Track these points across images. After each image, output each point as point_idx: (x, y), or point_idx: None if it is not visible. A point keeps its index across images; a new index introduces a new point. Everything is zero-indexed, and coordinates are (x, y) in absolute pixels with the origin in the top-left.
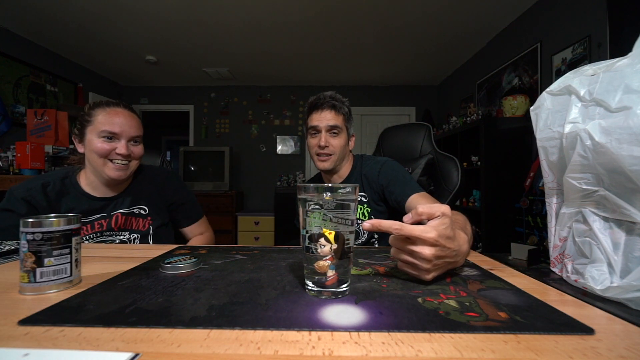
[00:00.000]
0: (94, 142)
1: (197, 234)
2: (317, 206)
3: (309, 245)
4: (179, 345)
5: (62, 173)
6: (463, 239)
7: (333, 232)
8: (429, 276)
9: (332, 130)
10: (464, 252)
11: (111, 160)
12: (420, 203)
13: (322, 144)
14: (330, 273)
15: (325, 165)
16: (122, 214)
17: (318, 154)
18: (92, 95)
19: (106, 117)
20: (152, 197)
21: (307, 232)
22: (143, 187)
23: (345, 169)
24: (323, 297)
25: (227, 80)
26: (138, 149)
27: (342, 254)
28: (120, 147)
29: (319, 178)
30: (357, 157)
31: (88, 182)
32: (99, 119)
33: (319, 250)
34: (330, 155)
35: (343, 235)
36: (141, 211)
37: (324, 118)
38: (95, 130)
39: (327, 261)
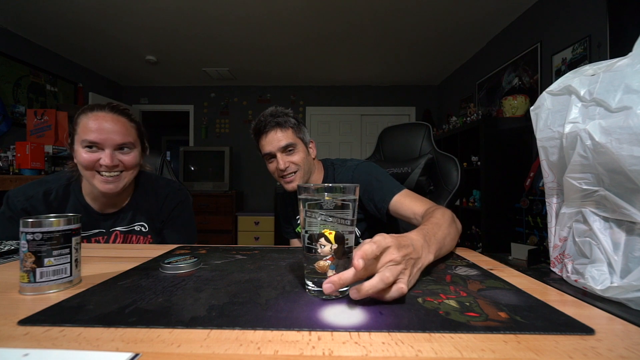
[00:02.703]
0: (79, 152)
1: None
2: (317, 206)
3: (310, 245)
4: (179, 345)
5: (66, 178)
6: (411, 235)
7: (333, 232)
8: (406, 278)
9: (286, 148)
10: (420, 244)
11: (99, 172)
12: (405, 204)
13: (282, 166)
14: (331, 273)
15: (295, 185)
16: (121, 231)
17: (282, 177)
18: (92, 95)
19: (87, 124)
20: (152, 212)
21: (307, 232)
22: (144, 201)
23: (316, 179)
24: (323, 297)
25: (227, 80)
26: (129, 158)
27: (342, 254)
28: (105, 157)
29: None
30: (327, 163)
31: (87, 191)
32: (81, 126)
33: (319, 250)
34: (296, 172)
35: (343, 235)
36: (142, 228)
37: (273, 140)
38: (79, 140)
39: (327, 261)
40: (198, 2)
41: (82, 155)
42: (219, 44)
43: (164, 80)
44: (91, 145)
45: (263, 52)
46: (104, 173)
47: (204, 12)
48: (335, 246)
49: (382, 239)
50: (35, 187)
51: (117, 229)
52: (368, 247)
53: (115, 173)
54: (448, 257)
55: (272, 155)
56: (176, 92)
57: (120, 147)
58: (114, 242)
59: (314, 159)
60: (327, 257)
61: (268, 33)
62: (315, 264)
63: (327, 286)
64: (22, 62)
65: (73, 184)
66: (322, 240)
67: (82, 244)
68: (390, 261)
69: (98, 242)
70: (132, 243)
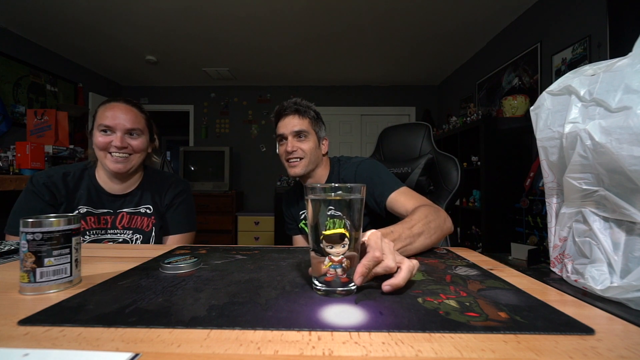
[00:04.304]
0: (95, 136)
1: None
2: (327, 206)
3: (321, 246)
4: (179, 345)
5: (84, 164)
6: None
7: (347, 231)
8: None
9: (299, 135)
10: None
11: (110, 153)
12: (399, 201)
13: (289, 149)
14: (340, 271)
15: (296, 170)
16: (127, 212)
17: (287, 160)
18: (92, 95)
19: (103, 112)
20: (157, 197)
21: (319, 231)
22: (150, 188)
23: (322, 174)
24: (336, 295)
25: (227, 80)
26: (137, 142)
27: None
28: (116, 139)
29: (299, 185)
30: (334, 160)
31: (100, 175)
32: (99, 114)
33: (339, 250)
34: (301, 159)
35: (358, 233)
36: (147, 210)
37: (289, 124)
38: (96, 126)
39: (347, 260)
40: (198, 2)
41: (98, 138)
42: (219, 44)
43: (164, 80)
44: (106, 130)
45: (263, 52)
46: (114, 153)
47: (204, 12)
48: (347, 242)
49: (375, 237)
50: (57, 169)
51: (124, 210)
52: (376, 247)
53: (124, 154)
54: (448, 257)
55: (284, 138)
56: (176, 92)
57: (129, 132)
58: (120, 221)
59: (324, 155)
60: (342, 256)
61: (268, 33)
62: (344, 263)
63: (359, 279)
64: (22, 62)
65: (89, 169)
66: (346, 239)
67: (85, 238)
68: (396, 249)
69: (106, 220)
70: (137, 224)
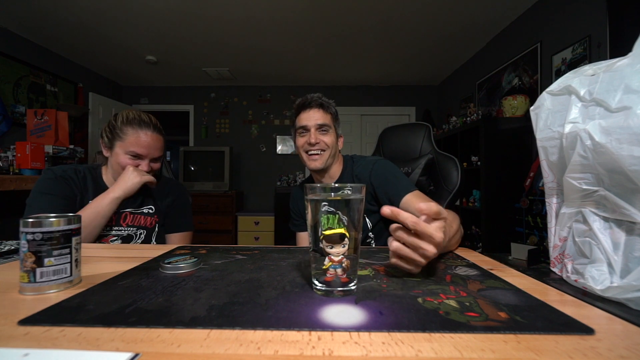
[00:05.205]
0: (120, 156)
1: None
2: (327, 206)
3: (321, 246)
4: (179, 345)
5: (91, 165)
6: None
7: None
8: (418, 270)
9: (322, 128)
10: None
11: None
12: (415, 203)
13: (312, 140)
14: (340, 271)
15: (317, 164)
16: (130, 212)
17: (308, 152)
18: (92, 95)
19: (136, 139)
20: (158, 199)
21: (319, 231)
22: (152, 191)
23: (336, 170)
24: (336, 295)
25: (227, 80)
26: (157, 165)
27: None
28: (143, 165)
29: (310, 181)
30: (347, 157)
31: (108, 177)
32: (129, 138)
33: (339, 250)
34: (323, 151)
35: (357, 233)
36: (149, 210)
37: (313, 117)
38: (123, 147)
39: (346, 260)
40: (198, 2)
41: (125, 160)
42: (219, 45)
43: (164, 80)
44: (135, 155)
45: (263, 52)
46: None
47: (204, 12)
48: (347, 242)
49: (444, 211)
50: (67, 166)
51: (127, 210)
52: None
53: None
54: (448, 257)
55: (307, 129)
56: (176, 92)
57: (154, 159)
58: (124, 220)
59: (339, 152)
60: (342, 256)
61: (268, 34)
62: (344, 263)
63: (386, 210)
64: (22, 62)
65: (97, 168)
66: (346, 239)
67: (83, 243)
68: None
69: (110, 219)
70: (141, 222)
